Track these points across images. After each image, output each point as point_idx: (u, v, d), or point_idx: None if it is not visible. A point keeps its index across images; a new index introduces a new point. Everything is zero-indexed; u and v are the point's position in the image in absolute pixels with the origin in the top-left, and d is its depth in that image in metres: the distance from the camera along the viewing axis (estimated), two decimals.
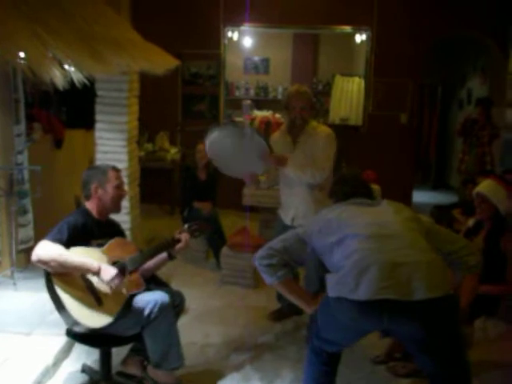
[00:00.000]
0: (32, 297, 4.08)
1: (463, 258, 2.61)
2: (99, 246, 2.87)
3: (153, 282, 3.20)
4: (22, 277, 4.41)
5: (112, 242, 2.92)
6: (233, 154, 3.44)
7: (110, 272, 2.72)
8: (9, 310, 3.89)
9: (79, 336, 2.88)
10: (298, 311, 3.89)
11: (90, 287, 2.74)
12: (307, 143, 3.69)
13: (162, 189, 6.96)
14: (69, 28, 3.32)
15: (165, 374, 2.97)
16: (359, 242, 2.43)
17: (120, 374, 3.16)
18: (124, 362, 3.20)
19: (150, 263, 3.11)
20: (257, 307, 4.39)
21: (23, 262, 4.62)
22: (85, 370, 3.27)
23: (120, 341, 2.97)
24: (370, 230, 2.47)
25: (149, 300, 2.85)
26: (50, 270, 2.65)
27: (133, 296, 2.85)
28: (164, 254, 3.14)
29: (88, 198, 2.99)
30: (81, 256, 2.71)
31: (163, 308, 2.84)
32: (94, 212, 2.99)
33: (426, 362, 2.46)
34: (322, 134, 3.73)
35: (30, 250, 4.67)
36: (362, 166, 6.40)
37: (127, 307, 2.80)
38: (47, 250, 2.64)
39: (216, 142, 3.39)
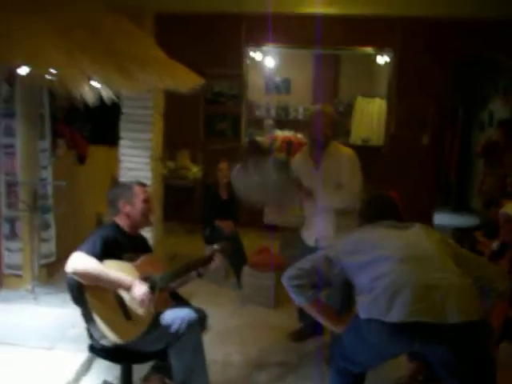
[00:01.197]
0: (53, 312, 4.09)
1: (493, 284, 2.55)
2: (129, 260, 2.86)
3: (174, 299, 3.18)
4: (43, 291, 4.42)
5: (144, 258, 2.93)
6: (259, 189, 3.45)
7: (141, 289, 2.71)
8: (30, 325, 3.89)
9: (102, 351, 2.86)
10: (320, 331, 3.84)
11: (120, 302, 2.73)
12: (331, 167, 3.63)
13: (183, 207, 6.96)
14: (96, 44, 3.36)
15: None
16: (392, 263, 2.40)
17: None
18: (145, 379, 3.18)
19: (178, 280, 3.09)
20: (278, 327, 4.33)
21: (45, 276, 4.63)
22: None
23: (142, 357, 2.95)
24: (403, 252, 2.44)
25: (177, 316, 2.83)
26: (83, 281, 2.64)
27: (160, 313, 2.84)
28: (192, 272, 3.13)
29: (116, 214, 3.00)
30: (114, 270, 2.72)
31: (191, 325, 2.83)
32: (125, 227, 3.00)
33: None
34: (345, 155, 3.68)
35: (51, 265, 4.74)
36: (383, 187, 6.36)
37: (155, 324, 2.79)
38: (83, 262, 2.64)
39: (243, 181, 3.42)
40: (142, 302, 2.72)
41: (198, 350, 2.91)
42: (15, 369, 3.29)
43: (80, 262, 2.64)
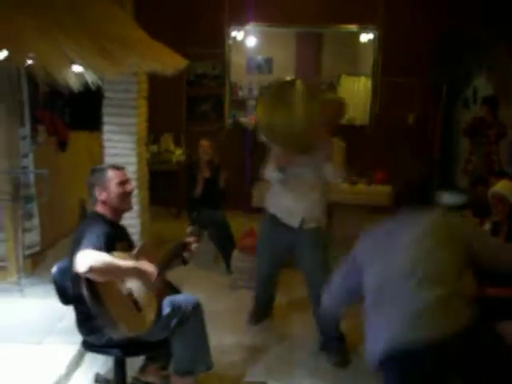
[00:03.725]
0: (40, 304, 3.99)
1: None
2: (123, 250, 2.75)
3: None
4: (28, 283, 4.31)
5: (139, 247, 2.86)
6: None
7: (152, 268, 2.68)
8: (17, 319, 3.81)
9: (95, 346, 2.79)
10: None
11: (130, 294, 2.64)
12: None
13: (167, 191, 6.84)
14: (77, 26, 3.21)
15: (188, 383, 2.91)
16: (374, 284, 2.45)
17: (136, 380, 3.08)
18: (142, 370, 3.12)
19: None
20: None
21: (30, 267, 4.51)
22: (98, 379, 3.18)
23: (137, 350, 2.87)
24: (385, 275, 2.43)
25: (178, 301, 2.84)
26: (99, 278, 2.49)
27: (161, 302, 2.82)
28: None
29: (95, 203, 2.87)
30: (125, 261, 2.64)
31: (195, 307, 2.85)
32: (108, 215, 2.86)
33: None
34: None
35: (36, 256, 4.63)
36: (369, 167, 6.35)
37: (159, 314, 2.77)
38: (96, 258, 2.48)
39: None
40: (151, 280, 2.68)
41: (203, 331, 2.93)
42: (3, 366, 3.20)
43: (93, 258, 2.47)
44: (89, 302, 2.53)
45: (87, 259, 2.45)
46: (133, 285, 2.65)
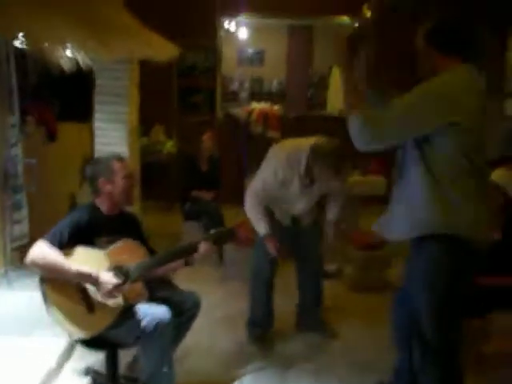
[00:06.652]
0: (28, 296, 3.88)
1: None
2: (108, 243, 2.66)
3: (160, 282, 2.96)
4: (16, 275, 4.22)
5: (118, 244, 2.68)
6: None
7: (106, 280, 2.51)
8: (5, 311, 3.74)
9: (81, 341, 2.69)
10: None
11: (84, 293, 2.54)
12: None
13: (157, 184, 6.76)
14: (70, 9, 3.11)
15: None
16: None
17: (126, 378, 2.98)
18: (129, 367, 3.04)
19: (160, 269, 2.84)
20: None
21: (18, 259, 4.41)
22: (89, 372, 3.09)
23: (124, 345, 2.75)
24: None
25: (147, 313, 2.58)
26: (43, 274, 2.49)
27: (132, 305, 2.62)
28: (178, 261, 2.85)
29: (97, 194, 2.77)
30: (80, 261, 2.52)
31: (160, 326, 2.56)
32: (104, 207, 2.77)
33: None
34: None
35: (24, 248, 4.53)
36: (364, 156, 6.27)
37: (126, 316, 2.57)
38: (42, 253, 2.48)
39: None
40: (106, 294, 2.52)
41: (165, 353, 2.64)
42: None
43: (39, 253, 2.48)
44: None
45: (34, 252, 2.48)
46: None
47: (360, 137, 2.21)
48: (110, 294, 2.53)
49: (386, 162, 6.00)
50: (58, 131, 5.26)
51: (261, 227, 3.38)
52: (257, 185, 3.44)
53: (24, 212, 4.45)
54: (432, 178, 2.22)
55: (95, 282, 2.51)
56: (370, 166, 6.01)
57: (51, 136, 5.23)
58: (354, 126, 2.21)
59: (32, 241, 4.49)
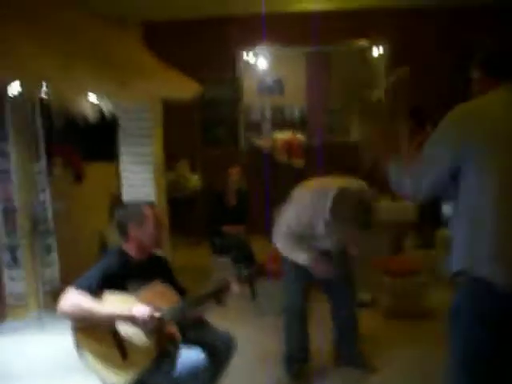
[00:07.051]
0: (61, 340, 3.87)
1: None
2: (138, 288, 2.63)
3: (192, 321, 2.87)
4: (49, 318, 4.23)
5: (148, 288, 2.66)
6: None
7: (144, 314, 2.47)
8: (39, 356, 3.74)
9: None
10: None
11: (116, 337, 2.51)
12: None
13: (184, 219, 6.75)
14: (89, 55, 3.14)
15: None
16: None
17: None
18: None
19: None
20: None
21: (50, 303, 4.43)
22: None
23: None
24: None
25: (182, 358, 2.55)
26: (74, 322, 2.46)
27: (164, 351, 2.58)
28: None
29: (125, 238, 2.77)
30: (111, 306, 2.50)
31: (196, 371, 2.54)
32: (133, 252, 2.76)
33: None
34: None
35: (57, 291, 4.54)
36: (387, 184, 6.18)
37: (157, 362, 2.53)
38: (71, 301, 2.46)
39: None
40: (144, 324, 2.47)
41: None
42: None
43: (69, 301, 2.46)
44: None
45: (64, 300, 2.46)
46: (126, 327, 2.51)
47: (403, 191, 2.16)
48: (152, 323, 2.48)
49: None
50: (84, 171, 5.34)
51: (301, 257, 3.34)
52: (282, 228, 3.41)
53: (54, 255, 4.49)
54: None
55: (131, 318, 2.47)
56: None
57: (78, 176, 5.31)
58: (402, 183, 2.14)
59: (63, 283, 4.56)
